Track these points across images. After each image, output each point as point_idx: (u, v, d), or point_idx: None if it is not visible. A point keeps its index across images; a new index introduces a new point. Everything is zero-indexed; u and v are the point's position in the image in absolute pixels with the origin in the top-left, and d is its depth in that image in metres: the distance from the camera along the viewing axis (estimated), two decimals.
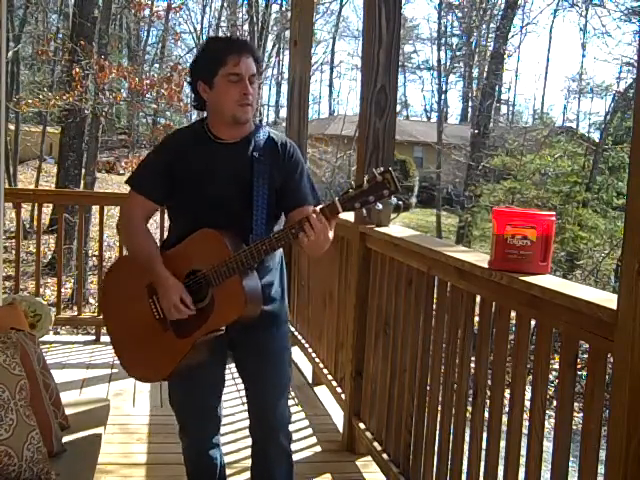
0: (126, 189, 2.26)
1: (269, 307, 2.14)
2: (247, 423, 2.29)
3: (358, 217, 3.17)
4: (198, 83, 2.10)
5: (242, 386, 2.29)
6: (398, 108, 3.91)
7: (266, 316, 2.11)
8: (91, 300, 9.46)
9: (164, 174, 2.12)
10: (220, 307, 2.01)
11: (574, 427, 1.76)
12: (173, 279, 2.05)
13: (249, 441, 2.34)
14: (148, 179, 2.17)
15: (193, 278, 2.05)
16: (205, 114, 2.19)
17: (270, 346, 2.20)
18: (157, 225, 4.97)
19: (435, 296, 2.53)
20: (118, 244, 5.09)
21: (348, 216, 3.14)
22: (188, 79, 2.19)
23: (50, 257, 11.66)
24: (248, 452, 2.40)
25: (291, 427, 2.31)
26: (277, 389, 2.22)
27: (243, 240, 2.02)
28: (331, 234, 1.95)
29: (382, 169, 1.83)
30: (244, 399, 2.29)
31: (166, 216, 2.48)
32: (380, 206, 1.85)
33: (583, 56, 34.97)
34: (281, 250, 2.19)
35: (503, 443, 1.98)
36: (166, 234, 2.33)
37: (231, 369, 2.29)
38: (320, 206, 1.92)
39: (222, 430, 2.39)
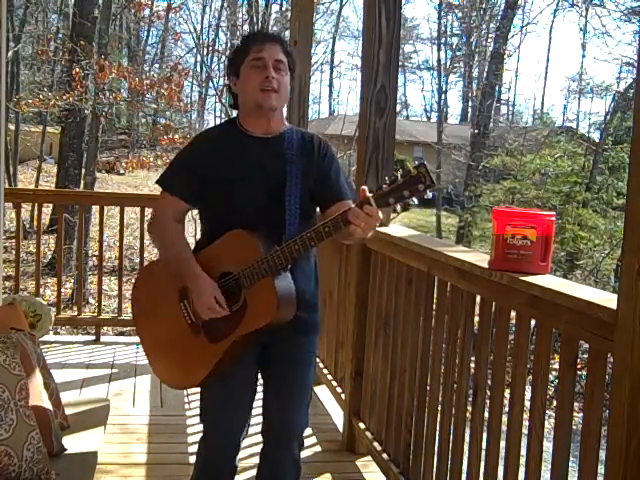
0: (125, 189, 2.25)
1: (304, 314, 2.07)
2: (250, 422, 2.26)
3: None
4: (230, 79, 2.10)
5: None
6: (398, 108, 3.91)
7: (298, 322, 2.04)
8: (91, 300, 9.46)
9: (194, 173, 2.07)
10: (252, 310, 1.96)
11: (574, 427, 1.76)
12: (206, 278, 2.00)
13: (249, 440, 2.33)
14: (178, 179, 2.12)
15: (225, 280, 2.01)
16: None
17: (299, 352, 2.15)
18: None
19: (435, 296, 2.53)
20: (118, 244, 5.08)
21: None
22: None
23: (50, 257, 11.66)
24: (248, 452, 2.40)
25: None
26: (301, 396, 2.18)
27: (275, 241, 1.96)
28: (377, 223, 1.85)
29: (417, 162, 1.76)
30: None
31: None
32: (416, 201, 1.80)
33: (583, 56, 34.93)
34: (316, 256, 2.16)
35: (503, 443, 1.98)
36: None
37: None
38: (355, 204, 1.83)
39: None
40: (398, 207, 1.80)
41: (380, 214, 1.80)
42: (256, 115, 2.06)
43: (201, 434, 2.23)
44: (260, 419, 2.21)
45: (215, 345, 2.02)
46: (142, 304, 2.25)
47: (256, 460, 2.32)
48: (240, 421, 2.17)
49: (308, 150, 2.10)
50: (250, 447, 2.90)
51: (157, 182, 2.18)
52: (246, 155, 2.07)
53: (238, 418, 2.17)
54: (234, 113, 2.20)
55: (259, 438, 2.25)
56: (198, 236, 2.31)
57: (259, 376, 2.22)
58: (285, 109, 2.32)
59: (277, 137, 2.09)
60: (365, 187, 1.82)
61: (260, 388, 2.21)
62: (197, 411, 2.25)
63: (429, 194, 1.77)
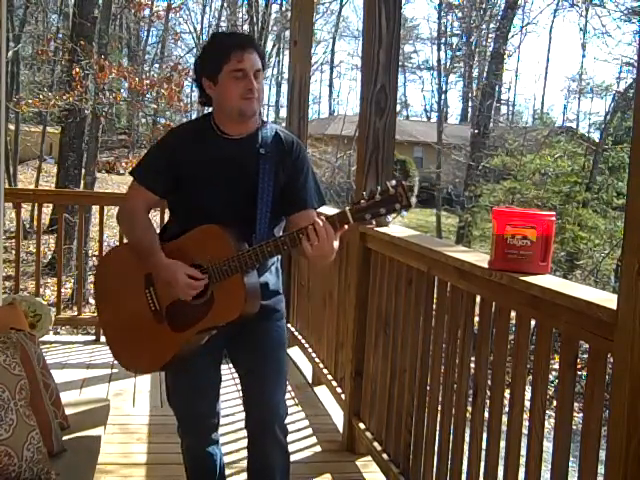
0: (125, 189, 2.25)
1: (266, 302, 2.12)
2: (243, 423, 2.28)
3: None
4: (203, 79, 2.10)
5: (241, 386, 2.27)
6: (398, 108, 3.91)
7: (263, 310, 2.09)
8: (91, 300, 9.45)
9: (167, 167, 2.11)
10: (220, 305, 2.00)
11: (574, 427, 1.76)
12: (173, 261, 2.02)
13: (244, 441, 2.33)
14: (151, 171, 2.16)
15: None
16: (210, 109, 2.17)
17: (267, 338, 2.19)
18: (157, 224, 4.97)
19: (435, 296, 2.53)
20: (118, 244, 5.08)
21: None
22: (193, 75, 2.18)
23: (50, 257, 11.67)
24: (245, 454, 2.39)
25: (291, 427, 2.31)
26: (275, 382, 2.20)
27: (245, 239, 2.00)
28: (336, 244, 1.91)
29: (395, 182, 1.79)
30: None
31: (166, 210, 2.46)
32: (390, 218, 1.82)
33: (583, 56, 34.83)
34: None
35: (503, 443, 1.98)
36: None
37: (231, 368, 2.28)
38: (330, 214, 1.88)
39: (222, 430, 2.38)
40: (374, 222, 1.84)
41: (335, 241, 1.87)
42: (236, 120, 2.08)
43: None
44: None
45: (177, 334, 2.05)
46: (106, 287, 2.28)
47: None
48: (207, 410, 2.23)
49: (282, 148, 2.13)
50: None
51: (130, 172, 2.21)
52: (219, 154, 2.09)
53: (204, 407, 2.22)
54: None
55: None
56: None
57: (231, 368, 2.25)
58: (285, 109, 2.33)
59: (251, 135, 2.12)
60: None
61: (237, 380, 2.24)
62: None
63: (404, 213, 1.81)
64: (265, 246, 1.93)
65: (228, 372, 2.30)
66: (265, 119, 2.22)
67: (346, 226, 1.87)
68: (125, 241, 2.31)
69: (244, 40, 2.11)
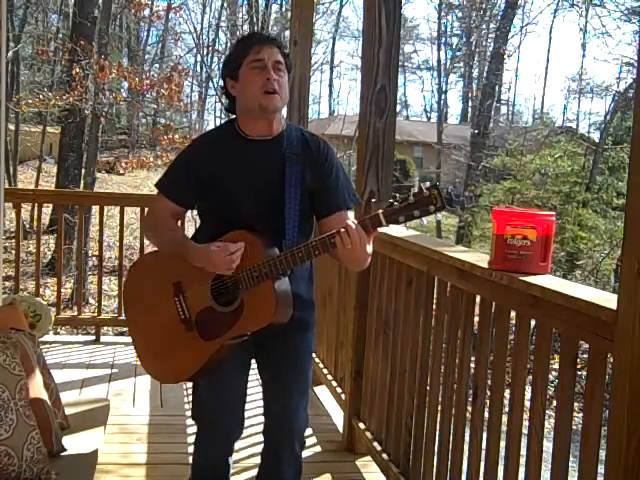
0: (125, 189, 2.26)
1: (299, 313, 2.07)
2: (248, 423, 2.27)
3: (357, 217, 3.16)
4: (227, 81, 2.08)
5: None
6: (398, 108, 3.91)
7: (295, 321, 2.04)
8: (91, 300, 9.46)
9: (191, 177, 2.08)
10: (250, 312, 1.95)
11: (574, 427, 1.76)
12: (202, 246, 1.99)
13: (249, 440, 2.33)
14: (175, 182, 2.14)
15: (222, 279, 2.00)
16: (235, 117, 2.14)
17: (298, 350, 2.15)
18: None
19: (435, 296, 2.53)
20: (118, 244, 5.08)
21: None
22: (220, 85, 2.16)
23: (50, 257, 11.65)
24: (248, 452, 2.40)
25: None
26: (300, 393, 2.17)
27: (276, 244, 1.96)
28: (370, 248, 1.89)
29: (429, 184, 1.76)
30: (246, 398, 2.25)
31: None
32: (425, 221, 1.80)
33: (583, 56, 34.85)
34: None
35: (503, 443, 1.98)
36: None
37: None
38: (362, 218, 1.85)
39: None
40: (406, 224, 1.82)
41: (369, 244, 1.86)
42: (257, 117, 2.04)
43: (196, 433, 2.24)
44: (261, 419, 2.22)
45: (207, 343, 2.01)
46: (135, 297, 2.25)
47: (256, 460, 2.32)
48: (234, 420, 2.19)
49: (309, 150, 2.08)
50: (250, 447, 2.91)
51: (155, 185, 2.19)
52: (245, 158, 2.06)
53: (232, 417, 2.18)
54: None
55: (259, 438, 2.25)
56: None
57: (258, 376, 2.22)
58: (285, 109, 2.32)
59: (276, 137, 2.08)
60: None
61: (259, 389, 2.21)
62: None
63: (439, 216, 1.77)
64: (296, 252, 1.88)
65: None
66: (289, 121, 2.19)
67: (379, 229, 1.84)
68: (150, 249, 2.28)
69: (264, 36, 2.11)
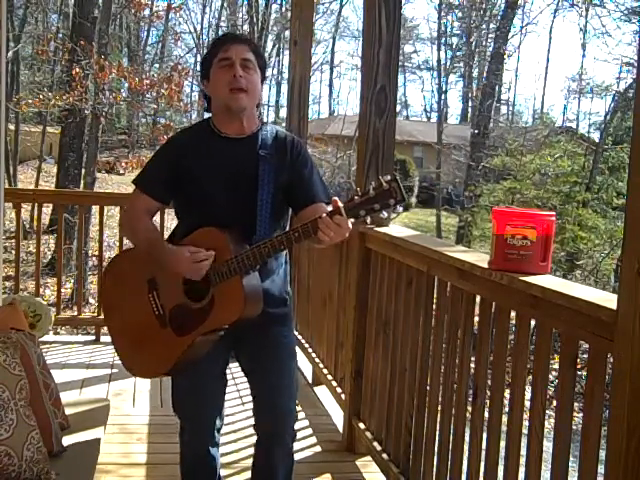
0: (125, 189, 2.27)
1: (276, 310, 2.12)
2: (247, 423, 2.29)
3: None
4: (203, 82, 2.13)
5: (242, 386, 2.27)
6: (398, 108, 3.91)
7: (275, 316, 2.09)
8: (91, 300, 9.46)
9: (168, 173, 2.11)
10: (219, 307, 2.00)
11: (574, 427, 1.76)
12: (175, 248, 2.03)
13: (249, 441, 2.34)
14: (152, 178, 2.17)
15: None
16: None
17: (276, 343, 2.18)
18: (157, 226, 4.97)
19: (435, 296, 2.53)
20: (118, 244, 5.08)
21: None
22: (195, 95, 2.21)
23: (50, 257, 11.66)
24: (248, 452, 2.40)
25: None
26: (287, 388, 2.20)
27: (246, 240, 2.00)
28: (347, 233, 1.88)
29: (389, 177, 1.77)
30: (244, 399, 2.27)
31: (166, 216, 2.48)
32: (385, 214, 1.81)
33: (583, 56, 34.89)
34: (285, 252, 2.17)
35: (503, 443, 1.98)
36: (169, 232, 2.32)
37: (231, 368, 2.28)
38: (323, 214, 1.85)
39: (222, 430, 2.38)
40: (368, 219, 1.82)
41: (350, 224, 1.83)
42: (228, 116, 2.08)
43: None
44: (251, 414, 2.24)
45: (181, 338, 2.04)
46: (111, 294, 2.29)
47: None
48: (212, 413, 2.22)
49: (281, 149, 2.12)
50: (250, 447, 2.91)
51: (132, 181, 2.22)
52: (220, 155, 2.09)
53: (211, 410, 2.22)
54: None
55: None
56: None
57: (232, 365, 2.25)
58: (285, 109, 2.33)
59: (250, 136, 2.12)
60: (336, 198, 1.85)
61: (237, 380, 2.23)
62: None
63: (399, 209, 1.79)
64: (262, 246, 1.92)
65: (228, 371, 2.29)
66: (265, 120, 2.22)
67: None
68: (124, 248, 2.31)
69: (234, 35, 2.15)
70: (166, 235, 2.22)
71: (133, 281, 2.17)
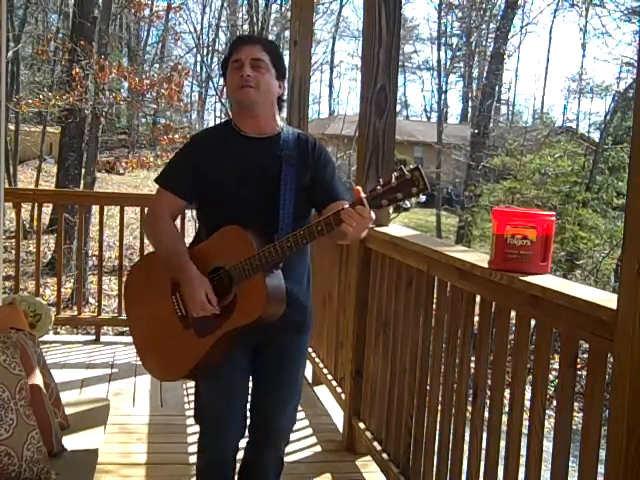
0: (126, 189, 2.27)
1: (295, 315, 2.10)
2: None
3: None
4: (225, 84, 2.18)
5: None
6: (398, 108, 3.91)
7: (288, 322, 2.07)
8: (91, 300, 9.46)
9: (191, 172, 2.12)
10: (242, 305, 1.98)
11: (574, 427, 1.76)
12: (199, 275, 2.01)
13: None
14: (176, 176, 2.17)
15: (216, 275, 2.02)
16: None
17: (290, 351, 2.18)
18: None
19: (435, 296, 2.53)
20: (118, 244, 5.08)
21: None
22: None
23: (50, 257, 11.66)
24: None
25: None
26: (290, 394, 2.21)
27: (268, 238, 1.98)
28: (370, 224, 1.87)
29: (412, 166, 1.77)
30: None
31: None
32: (408, 204, 1.80)
33: (583, 56, 34.87)
34: (308, 259, 2.18)
35: (503, 443, 1.98)
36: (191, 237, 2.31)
37: None
38: (345, 205, 1.85)
39: None
40: (391, 209, 1.81)
41: (373, 215, 1.82)
42: (243, 114, 2.12)
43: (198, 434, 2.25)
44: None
45: (203, 339, 2.03)
46: (135, 295, 2.28)
47: None
48: (236, 422, 2.20)
49: (304, 151, 2.13)
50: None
51: (155, 180, 2.22)
52: (242, 154, 2.10)
53: (234, 419, 2.19)
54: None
55: None
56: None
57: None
58: (283, 111, 2.33)
59: (272, 137, 2.13)
60: (359, 187, 1.83)
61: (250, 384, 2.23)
62: None
63: (422, 197, 1.79)
64: (285, 241, 1.91)
65: None
66: (287, 124, 2.24)
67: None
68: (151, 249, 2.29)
69: (247, 36, 2.21)
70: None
71: (157, 282, 2.15)
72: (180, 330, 2.08)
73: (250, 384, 2.23)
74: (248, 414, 2.22)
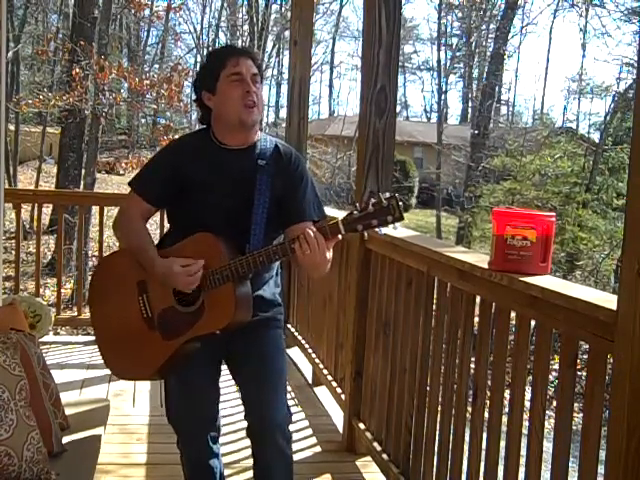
0: (125, 190, 2.27)
1: (263, 313, 2.13)
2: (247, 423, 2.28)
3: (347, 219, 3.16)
4: (202, 94, 2.12)
5: None
6: (398, 109, 3.91)
7: (260, 320, 2.10)
8: None
9: (166, 178, 2.12)
10: (209, 313, 1.99)
11: (574, 427, 1.76)
12: (167, 261, 2.01)
13: (249, 441, 2.33)
14: (149, 181, 2.18)
15: None
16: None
17: (266, 346, 2.18)
18: (157, 225, 4.98)
19: (435, 296, 2.53)
20: (118, 244, 5.09)
21: None
22: (194, 96, 2.18)
23: (50, 257, 11.66)
24: (248, 452, 2.39)
25: (291, 427, 2.29)
26: (275, 390, 2.19)
27: (239, 249, 2.00)
28: (329, 254, 1.93)
29: (388, 194, 1.81)
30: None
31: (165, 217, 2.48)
32: (382, 231, 1.83)
33: (583, 56, 34.80)
34: (277, 264, 2.19)
35: (503, 443, 1.98)
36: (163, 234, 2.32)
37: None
38: (321, 224, 1.89)
39: (223, 430, 2.38)
40: (365, 233, 1.86)
41: (329, 254, 1.91)
42: (237, 130, 2.09)
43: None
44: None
45: (168, 342, 2.04)
46: (100, 292, 2.27)
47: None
48: (205, 419, 2.21)
49: (280, 161, 2.13)
50: (247, 449, 2.92)
51: (128, 183, 2.23)
52: (219, 164, 2.10)
53: (203, 417, 2.20)
54: None
55: None
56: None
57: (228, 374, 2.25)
58: (285, 109, 2.34)
59: (250, 147, 2.13)
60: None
61: (235, 388, 2.24)
62: None
63: (396, 226, 1.82)
64: (257, 255, 1.93)
65: (226, 371, 2.29)
66: (262, 132, 2.23)
67: (339, 236, 1.89)
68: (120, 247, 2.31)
69: (239, 48, 2.20)
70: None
71: (123, 282, 2.16)
72: (145, 331, 2.09)
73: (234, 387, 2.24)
74: (242, 408, 2.22)
